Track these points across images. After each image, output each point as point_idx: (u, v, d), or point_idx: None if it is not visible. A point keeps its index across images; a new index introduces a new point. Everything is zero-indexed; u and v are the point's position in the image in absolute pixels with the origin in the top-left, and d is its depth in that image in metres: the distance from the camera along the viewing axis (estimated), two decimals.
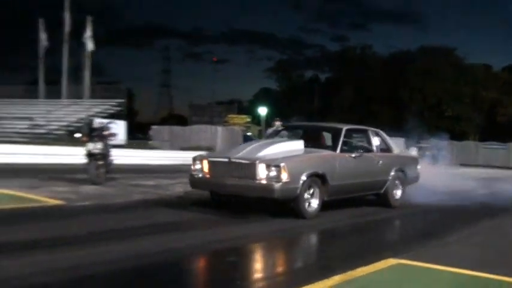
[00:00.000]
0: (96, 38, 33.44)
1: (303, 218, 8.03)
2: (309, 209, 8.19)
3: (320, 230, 7.93)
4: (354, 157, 9.09)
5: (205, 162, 8.61)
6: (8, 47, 74.78)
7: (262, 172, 7.81)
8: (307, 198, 8.15)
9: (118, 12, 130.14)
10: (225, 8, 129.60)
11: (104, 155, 11.27)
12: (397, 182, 10.30)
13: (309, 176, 8.05)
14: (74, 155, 14.45)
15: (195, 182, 8.81)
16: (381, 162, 9.87)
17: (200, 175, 8.62)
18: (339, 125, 9.90)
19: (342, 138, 9.12)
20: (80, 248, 5.59)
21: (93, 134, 11.58)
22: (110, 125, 12.40)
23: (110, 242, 6.03)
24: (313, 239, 7.78)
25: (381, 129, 10.91)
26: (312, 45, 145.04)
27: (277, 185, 7.69)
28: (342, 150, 8.99)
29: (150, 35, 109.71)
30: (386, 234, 8.62)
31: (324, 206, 8.52)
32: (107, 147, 11.43)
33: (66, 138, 26.41)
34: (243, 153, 8.40)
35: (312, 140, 9.60)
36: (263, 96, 68.14)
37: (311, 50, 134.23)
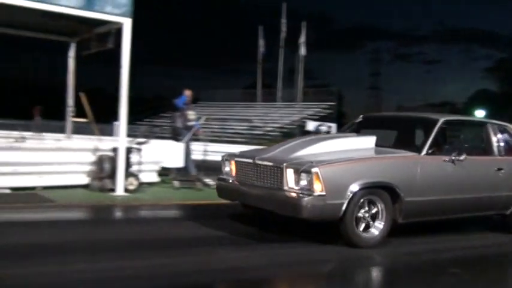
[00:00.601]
0: (308, 42, 34.68)
1: (355, 247, 5.73)
2: (366, 235, 5.80)
3: (386, 264, 5.71)
4: (450, 161, 6.37)
5: (233, 164, 6.77)
6: (230, 53, 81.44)
7: (290, 180, 5.74)
8: (364, 220, 5.81)
9: (329, 16, 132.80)
10: (439, 6, 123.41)
11: None
12: None
13: (365, 188, 5.70)
14: None
15: (221, 188, 6.92)
16: (504, 169, 6.97)
17: (230, 180, 6.75)
18: (433, 116, 7.10)
19: (433, 135, 6.45)
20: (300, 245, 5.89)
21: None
22: (323, 127, 12.78)
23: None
24: (366, 277, 5.32)
25: None
26: None
27: (305, 200, 5.47)
28: (430, 152, 6.33)
29: (359, 37, 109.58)
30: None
31: (400, 230, 6.13)
32: None
33: (280, 139, 27.85)
34: (276, 152, 6.41)
35: (397, 136, 7.30)
36: (480, 98, 63.25)
37: None
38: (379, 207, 5.88)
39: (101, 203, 7.88)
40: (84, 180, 8.98)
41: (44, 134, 11.92)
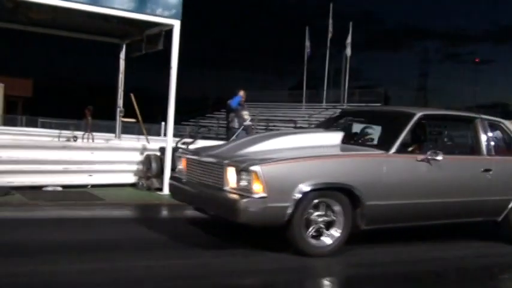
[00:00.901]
0: (355, 42, 34.41)
1: (305, 256, 5.09)
2: (318, 243, 5.16)
3: (331, 276, 5.02)
4: (425, 161, 5.63)
5: (184, 161, 6.16)
6: (276, 54, 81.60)
7: (231, 179, 5.10)
8: (316, 225, 5.14)
9: (376, 16, 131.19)
10: (491, 4, 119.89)
11: None
12: None
13: (317, 189, 5.04)
14: None
15: (172, 189, 6.32)
16: (493, 171, 6.13)
17: (182, 179, 6.07)
18: (410, 110, 6.32)
19: (405, 131, 5.72)
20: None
21: (355, 138, 11.91)
22: (369, 130, 12.57)
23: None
24: None
25: None
26: None
27: (243, 202, 4.86)
28: (402, 150, 5.61)
29: (407, 37, 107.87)
30: None
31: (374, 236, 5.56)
32: None
33: None
34: (227, 147, 5.91)
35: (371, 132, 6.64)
36: None
37: None
38: (336, 211, 5.21)
39: (148, 202, 8.02)
40: (132, 179, 9.17)
41: (95, 133, 12.22)
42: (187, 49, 9.59)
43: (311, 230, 5.11)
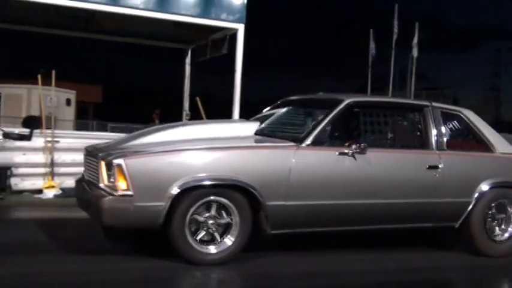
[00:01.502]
0: (422, 43, 33.57)
1: (194, 264, 4.43)
2: (203, 250, 4.46)
3: None
4: (349, 155, 4.81)
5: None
6: (341, 56, 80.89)
7: (105, 175, 4.40)
8: (206, 229, 4.46)
9: (444, 16, 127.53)
10: None
11: None
12: (495, 209, 5.49)
13: (201, 186, 4.36)
14: None
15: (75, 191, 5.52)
16: (442, 168, 5.20)
17: (81, 178, 5.36)
18: (338, 96, 5.38)
19: (326, 120, 4.90)
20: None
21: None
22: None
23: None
24: None
25: None
26: None
27: (105, 201, 4.26)
28: (321, 142, 4.79)
29: (477, 37, 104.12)
30: None
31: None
32: None
33: None
34: (123, 138, 5.33)
35: (300, 123, 5.68)
36: None
37: None
38: (232, 212, 4.50)
39: None
40: None
41: None
42: (250, 52, 9.67)
43: (197, 235, 4.45)
